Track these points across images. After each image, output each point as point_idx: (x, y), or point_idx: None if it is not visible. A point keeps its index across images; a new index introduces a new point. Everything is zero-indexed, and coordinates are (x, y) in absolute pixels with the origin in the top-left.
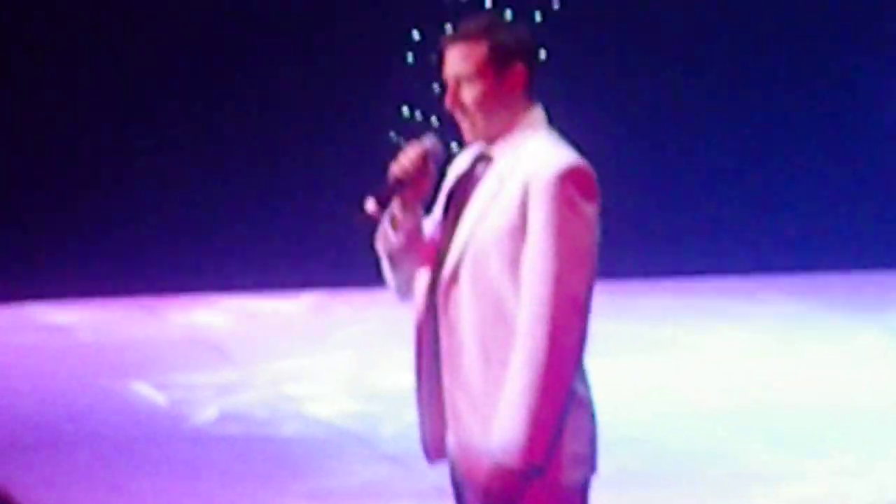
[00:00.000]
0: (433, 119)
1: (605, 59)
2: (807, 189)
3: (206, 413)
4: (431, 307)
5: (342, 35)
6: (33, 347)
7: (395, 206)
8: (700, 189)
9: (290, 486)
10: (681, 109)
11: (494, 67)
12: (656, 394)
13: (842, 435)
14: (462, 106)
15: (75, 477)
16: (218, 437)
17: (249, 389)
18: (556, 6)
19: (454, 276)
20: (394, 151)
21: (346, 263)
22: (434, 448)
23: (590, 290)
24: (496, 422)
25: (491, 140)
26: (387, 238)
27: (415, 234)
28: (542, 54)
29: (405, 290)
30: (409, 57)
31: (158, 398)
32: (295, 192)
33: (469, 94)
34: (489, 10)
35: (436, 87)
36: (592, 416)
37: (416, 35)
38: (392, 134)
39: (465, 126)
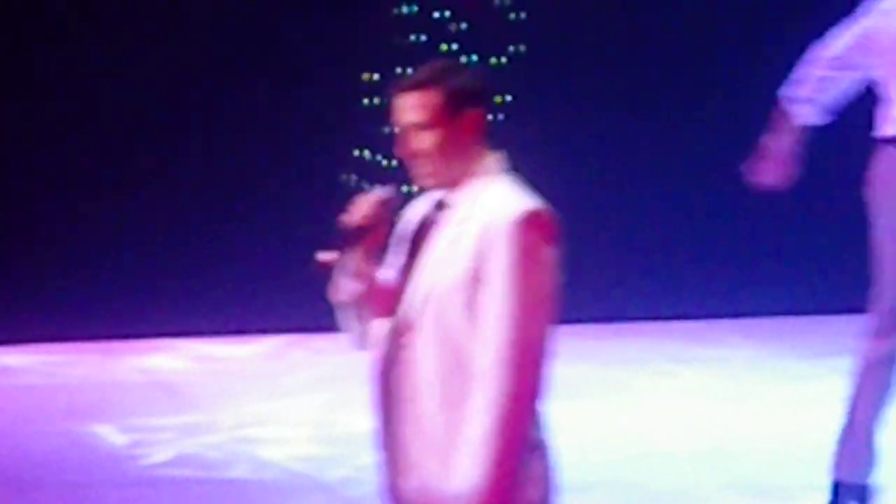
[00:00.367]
0: (388, 161)
1: (572, 102)
2: (764, 234)
3: (164, 456)
4: (391, 354)
5: (294, 77)
6: None
7: (354, 254)
8: (660, 234)
9: None
10: (642, 153)
11: (449, 114)
12: (623, 436)
13: (804, 474)
14: (415, 154)
15: None
16: (176, 480)
17: (208, 433)
18: (522, 48)
19: (412, 323)
20: (349, 193)
21: (304, 309)
22: (393, 493)
23: (548, 333)
24: (455, 467)
25: (448, 186)
26: (343, 288)
27: (374, 283)
28: (507, 98)
29: (363, 336)
30: (365, 99)
31: (116, 441)
32: (251, 237)
33: (423, 142)
34: (443, 57)
35: (390, 129)
36: (551, 461)
37: (374, 76)
38: (345, 176)
39: (419, 173)
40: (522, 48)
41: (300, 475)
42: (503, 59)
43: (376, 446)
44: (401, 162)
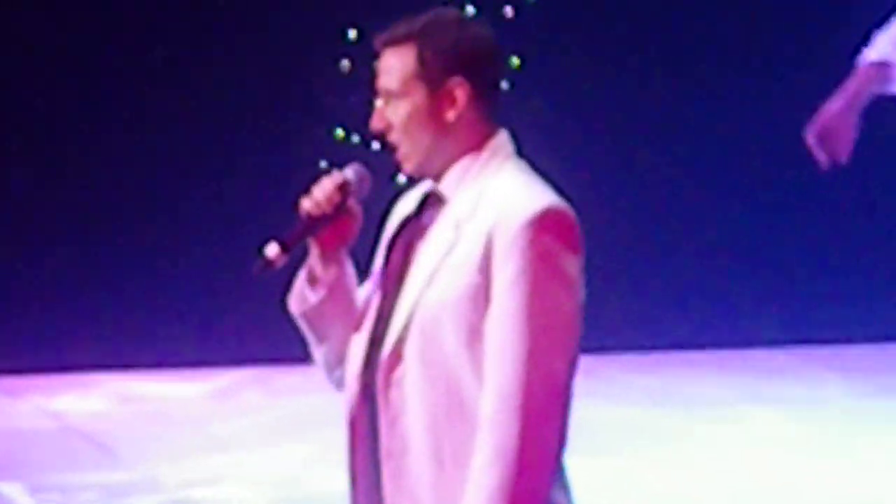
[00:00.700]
0: (375, 144)
1: (596, 67)
2: (862, 240)
3: None
4: (367, 393)
5: (251, 33)
6: None
7: (312, 254)
8: (717, 236)
9: None
10: (693, 132)
11: (425, 80)
12: (673, 502)
13: None
14: (385, 129)
15: None
16: None
17: (142, 494)
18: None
19: (397, 354)
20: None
21: (260, 337)
22: None
23: (572, 368)
24: None
25: (437, 175)
26: (303, 296)
27: (340, 291)
28: (514, 62)
29: (335, 368)
30: (344, 63)
31: None
32: (190, 243)
33: (394, 114)
34: (443, 6)
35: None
36: None
37: (351, 34)
38: (323, 163)
39: (399, 156)
40: None
41: None
42: (507, 11)
43: None
44: (384, 143)
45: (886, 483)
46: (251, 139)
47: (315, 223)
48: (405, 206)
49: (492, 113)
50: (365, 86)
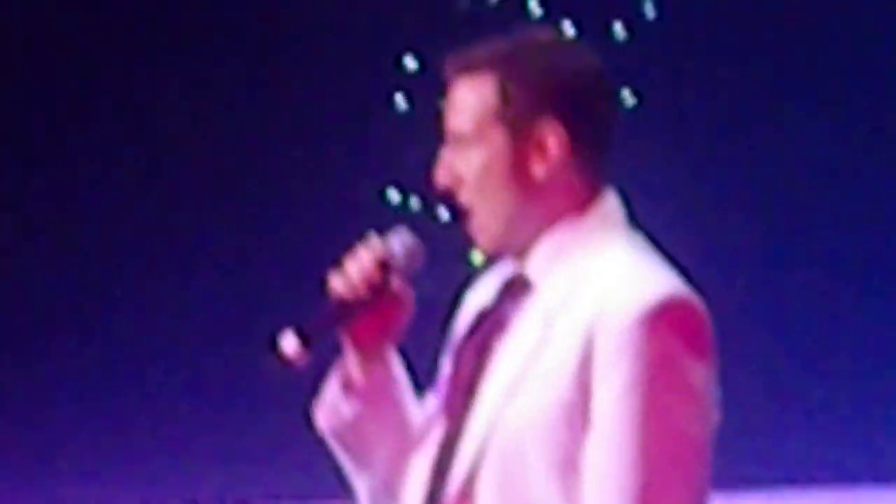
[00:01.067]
0: (441, 211)
1: (735, 100)
2: None
3: None
4: None
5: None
6: None
7: (347, 351)
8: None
9: None
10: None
11: (507, 122)
12: None
13: None
14: (453, 186)
15: None
16: None
17: None
18: (649, 14)
19: (467, 490)
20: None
21: (272, 467)
22: None
23: None
24: None
25: (522, 251)
26: (335, 408)
27: (385, 401)
28: (626, 99)
29: (383, 502)
30: (400, 100)
31: None
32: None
33: (468, 165)
34: (532, 25)
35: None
36: None
37: (409, 63)
38: (374, 236)
39: (471, 224)
40: (650, 13)
41: None
42: (618, 31)
43: None
44: (452, 206)
45: None
46: (274, 204)
47: (348, 309)
48: (480, 293)
49: (596, 167)
50: (428, 130)
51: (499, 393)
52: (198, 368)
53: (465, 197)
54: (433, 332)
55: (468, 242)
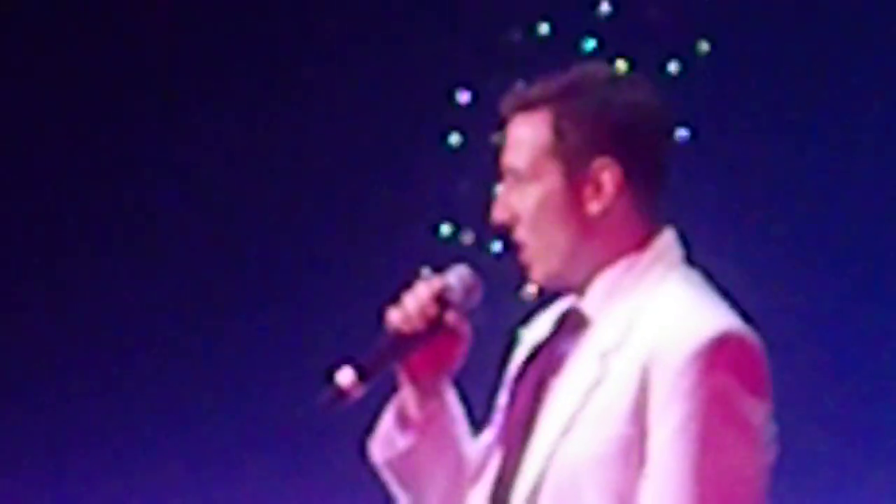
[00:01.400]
0: (496, 244)
1: (794, 138)
2: None
3: None
4: None
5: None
6: None
7: (402, 384)
8: None
9: None
10: None
11: (562, 159)
12: None
13: None
14: (510, 221)
15: None
16: None
17: None
18: (704, 48)
19: None
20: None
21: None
22: None
23: None
24: None
25: (578, 287)
26: (389, 440)
27: (440, 434)
28: (679, 134)
29: None
30: (452, 137)
31: None
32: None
33: (523, 202)
34: (584, 58)
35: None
36: None
37: (462, 97)
38: (426, 271)
39: (525, 258)
40: (705, 46)
41: None
42: (672, 67)
43: None
44: (507, 241)
45: None
46: (328, 240)
47: (405, 343)
48: (537, 329)
49: (653, 205)
50: (481, 166)
51: (555, 429)
52: (250, 408)
53: (520, 233)
54: (485, 364)
55: (520, 276)
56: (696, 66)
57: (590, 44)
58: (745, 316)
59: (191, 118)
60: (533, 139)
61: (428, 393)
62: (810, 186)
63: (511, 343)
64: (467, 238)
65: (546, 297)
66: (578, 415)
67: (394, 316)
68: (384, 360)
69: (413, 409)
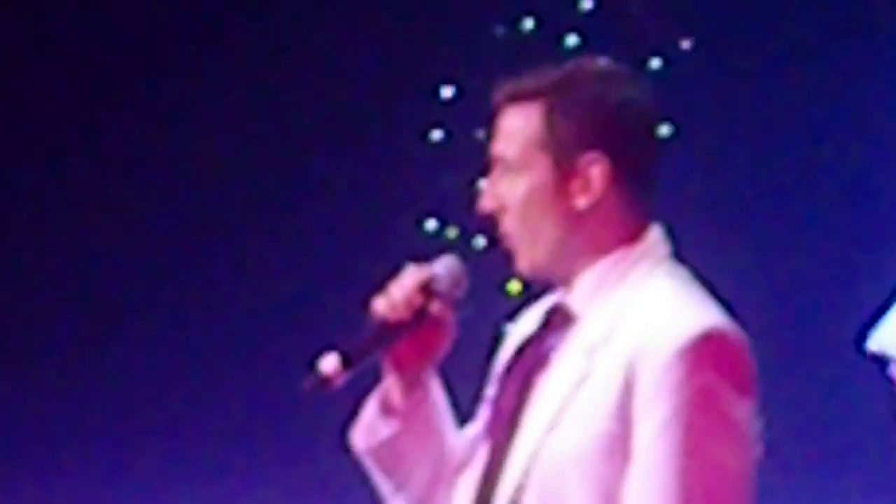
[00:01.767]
0: (480, 239)
1: (781, 131)
2: None
3: None
4: None
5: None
6: None
7: (387, 373)
8: None
9: None
10: None
11: (552, 152)
12: None
13: None
14: (497, 210)
15: None
16: None
17: None
18: (686, 44)
19: None
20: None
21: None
22: None
23: None
24: None
25: (563, 281)
26: (372, 428)
27: (423, 424)
28: (664, 130)
29: None
30: (435, 132)
31: None
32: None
33: (511, 191)
34: (568, 54)
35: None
36: None
37: (445, 92)
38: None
39: (510, 246)
40: (686, 44)
41: None
42: (655, 63)
43: None
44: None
45: None
46: (312, 234)
47: (390, 332)
48: (524, 324)
49: (641, 201)
50: (465, 161)
51: (541, 425)
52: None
53: (507, 223)
54: (470, 359)
55: (505, 271)
56: (679, 63)
57: (573, 40)
58: (731, 312)
59: (176, 110)
60: (524, 130)
61: (412, 382)
62: (794, 181)
63: (497, 338)
64: (452, 233)
65: (532, 293)
66: (564, 411)
67: (379, 304)
68: (369, 348)
69: (397, 397)
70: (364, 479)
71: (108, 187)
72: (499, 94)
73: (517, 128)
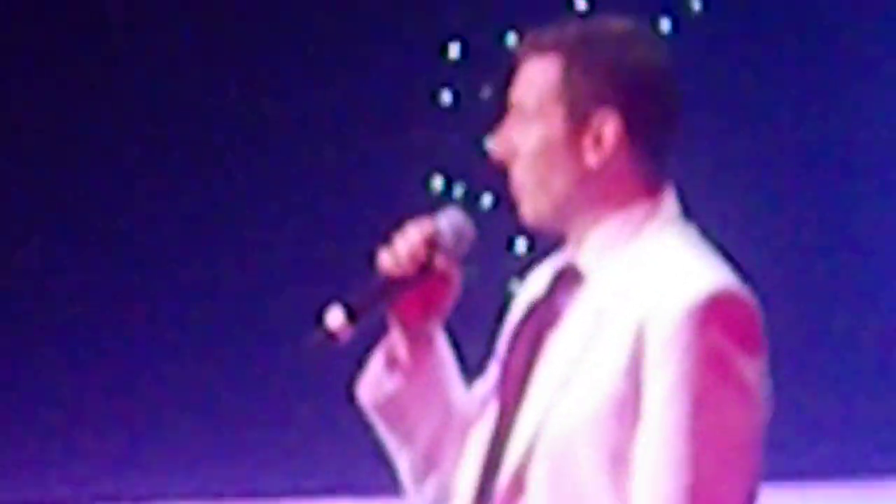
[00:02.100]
0: (487, 198)
1: (788, 92)
2: None
3: None
4: None
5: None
6: None
7: (392, 328)
8: None
9: None
10: None
11: (567, 105)
12: None
13: None
14: (512, 157)
15: None
16: None
17: None
18: (696, 6)
19: (517, 481)
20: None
21: (320, 457)
22: None
23: (753, 500)
24: None
25: (574, 240)
26: (378, 382)
27: (429, 378)
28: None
29: (423, 479)
30: (444, 93)
31: None
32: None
33: (524, 139)
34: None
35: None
36: None
37: (453, 51)
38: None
39: (516, 195)
40: (696, 6)
41: None
42: (664, 24)
43: None
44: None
45: None
46: (319, 193)
47: (394, 286)
48: (533, 284)
49: (654, 162)
50: (472, 120)
51: (550, 385)
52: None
53: (516, 170)
54: (478, 318)
55: (511, 230)
56: (688, 25)
57: (582, 3)
58: (741, 272)
59: (185, 81)
60: (542, 80)
61: (417, 337)
62: (804, 142)
63: (506, 298)
64: (458, 192)
65: (537, 253)
66: (574, 372)
67: (384, 258)
68: (374, 302)
69: (402, 352)
70: (370, 433)
71: (107, 187)
72: (522, 45)
73: (536, 77)
